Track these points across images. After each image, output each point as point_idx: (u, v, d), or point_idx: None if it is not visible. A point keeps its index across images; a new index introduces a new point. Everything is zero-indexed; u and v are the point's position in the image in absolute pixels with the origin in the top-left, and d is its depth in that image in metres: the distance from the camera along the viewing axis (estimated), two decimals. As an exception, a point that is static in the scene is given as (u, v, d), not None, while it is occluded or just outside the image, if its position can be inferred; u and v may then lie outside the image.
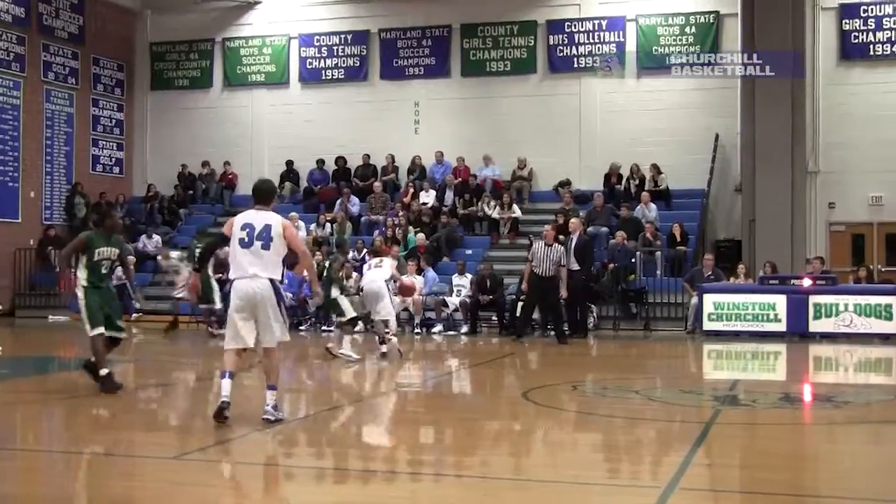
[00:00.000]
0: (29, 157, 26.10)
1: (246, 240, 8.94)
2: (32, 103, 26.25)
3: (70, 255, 11.74)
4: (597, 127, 25.79)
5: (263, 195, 9.25)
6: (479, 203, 24.99)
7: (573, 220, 20.70)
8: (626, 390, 12.28)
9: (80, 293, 11.09)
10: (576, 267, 19.00)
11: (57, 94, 27.14)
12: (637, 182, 24.59)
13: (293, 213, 24.19)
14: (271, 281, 8.97)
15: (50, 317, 24.32)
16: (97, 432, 9.46)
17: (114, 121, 29.18)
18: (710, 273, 20.85)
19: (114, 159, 29.21)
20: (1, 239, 24.94)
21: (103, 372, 10.96)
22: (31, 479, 7.53)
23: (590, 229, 22.32)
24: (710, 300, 19.76)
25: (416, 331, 21.04)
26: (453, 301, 21.35)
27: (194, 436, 8.94)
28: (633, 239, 22.52)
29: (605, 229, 23.03)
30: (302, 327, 21.35)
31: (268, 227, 8.97)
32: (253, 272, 8.91)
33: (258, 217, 9.05)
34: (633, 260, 22.29)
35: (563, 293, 18.48)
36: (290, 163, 27.66)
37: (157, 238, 25.86)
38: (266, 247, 8.92)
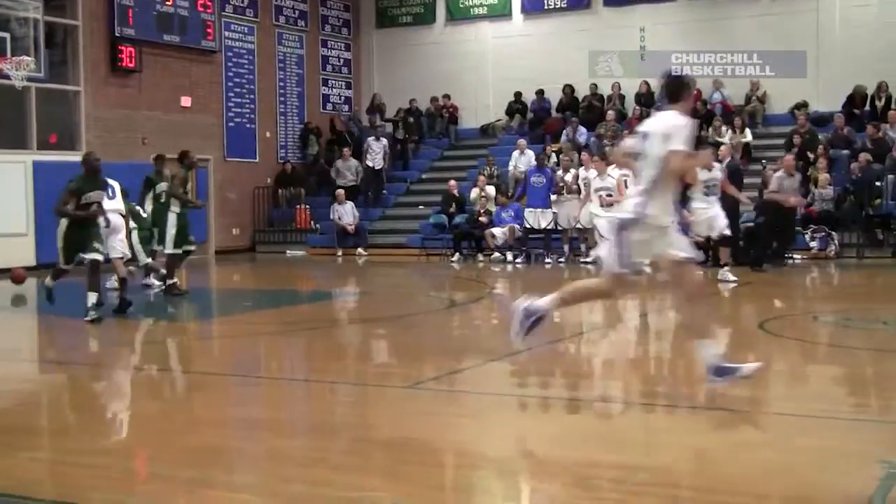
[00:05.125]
0: (264, 99, 26.97)
1: None
2: (266, 47, 27.05)
3: None
4: (836, 44, 24.43)
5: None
6: (710, 128, 24.16)
7: (723, 146, 19.75)
8: (872, 321, 11.60)
9: None
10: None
11: (288, 37, 27.87)
12: (883, 101, 23.19)
13: (521, 141, 24.33)
14: None
15: (288, 252, 25.20)
16: (333, 362, 9.67)
17: (342, 60, 29.77)
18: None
19: (343, 98, 29.84)
20: (241, 178, 25.93)
21: None
22: (273, 405, 7.76)
23: (831, 152, 21.33)
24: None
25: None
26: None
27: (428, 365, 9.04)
28: (879, 161, 21.27)
29: (846, 152, 21.86)
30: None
31: None
32: None
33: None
34: (878, 183, 21.03)
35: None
36: (518, 94, 27.52)
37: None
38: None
